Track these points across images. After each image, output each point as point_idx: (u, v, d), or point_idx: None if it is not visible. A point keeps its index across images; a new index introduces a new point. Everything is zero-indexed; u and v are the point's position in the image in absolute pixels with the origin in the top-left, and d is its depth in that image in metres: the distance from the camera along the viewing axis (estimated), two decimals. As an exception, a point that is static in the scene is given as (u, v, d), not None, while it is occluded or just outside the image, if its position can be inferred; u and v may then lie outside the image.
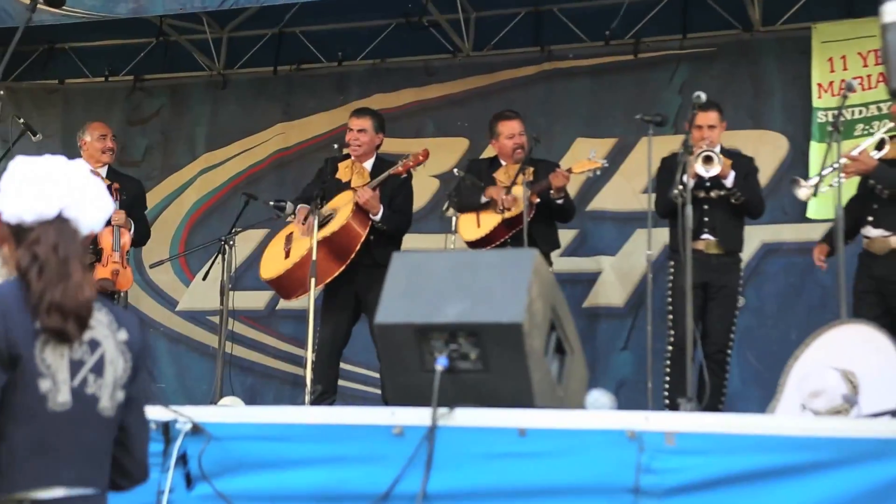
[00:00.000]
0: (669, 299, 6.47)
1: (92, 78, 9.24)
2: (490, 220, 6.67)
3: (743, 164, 6.57)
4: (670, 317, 6.42)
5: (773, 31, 7.85)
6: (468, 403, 3.65)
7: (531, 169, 6.69)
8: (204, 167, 8.95)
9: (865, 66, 7.39)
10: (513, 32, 8.40)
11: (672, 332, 6.39)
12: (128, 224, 7.04)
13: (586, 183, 7.74)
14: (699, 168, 6.25)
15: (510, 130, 6.87)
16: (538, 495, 3.47)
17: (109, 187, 7.01)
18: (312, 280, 6.34)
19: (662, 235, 6.68)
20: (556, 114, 8.17)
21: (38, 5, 6.39)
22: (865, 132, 7.06)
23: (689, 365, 5.56)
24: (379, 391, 7.03)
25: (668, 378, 6.39)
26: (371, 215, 6.58)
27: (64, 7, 6.69)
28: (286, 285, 6.68)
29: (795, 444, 3.34)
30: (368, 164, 6.85)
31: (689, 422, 3.54)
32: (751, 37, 7.87)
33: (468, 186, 6.81)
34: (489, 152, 7.28)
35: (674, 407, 5.95)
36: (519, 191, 6.53)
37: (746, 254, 6.98)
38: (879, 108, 7.19)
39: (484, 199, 6.71)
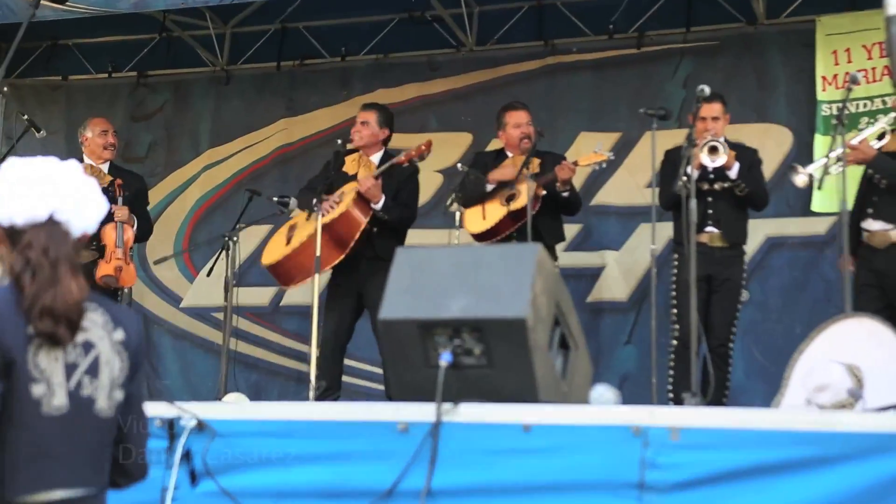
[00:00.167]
0: (674, 293, 6.46)
1: (95, 74, 9.23)
2: (496, 212, 6.67)
3: (747, 155, 6.55)
4: (675, 311, 6.41)
5: (777, 24, 7.83)
6: (472, 399, 3.65)
7: (538, 160, 6.69)
8: (207, 163, 8.95)
9: (870, 58, 7.37)
10: (516, 27, 8.39)
11: (676, 327, 6.38)
12: (131, 220, 7.03)
13: (590, 177, 7.73)
14: (704, 158, 6.23)
15: (517, 120, 6.88)
16: (543, 491, 3.47)
17: (112, 183, 7.02)
18: (316, 277, 6.34)
19: (666, 230, 6.66)
20: (560, 108, 8.15)
21: (42, 1, 6.39)
22: (870, 125, 7.04)
23: (694, 359, 5.55)
24: (382, 387, 7.03)
25: (672, 372, 6.38)
26: (372, 204, 6.59)
27: (67, 3, 6.68)
28: (285, 271, 6.67)
29: (800, 439, 3.33)
30: (376, 158, 6.86)
31: (694, 417, 3.54)
32: (755, 30, 7.85)
33: (472, 181, 6.80)
34: (494, 145, 7.27)
35: (678, 401, 5.94)
36: (523, 185, 6.52)
37: (751, 248, 6.96)
38: (885, 102, 7.17)
39: (489, 186, 6.70)
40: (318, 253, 6.33)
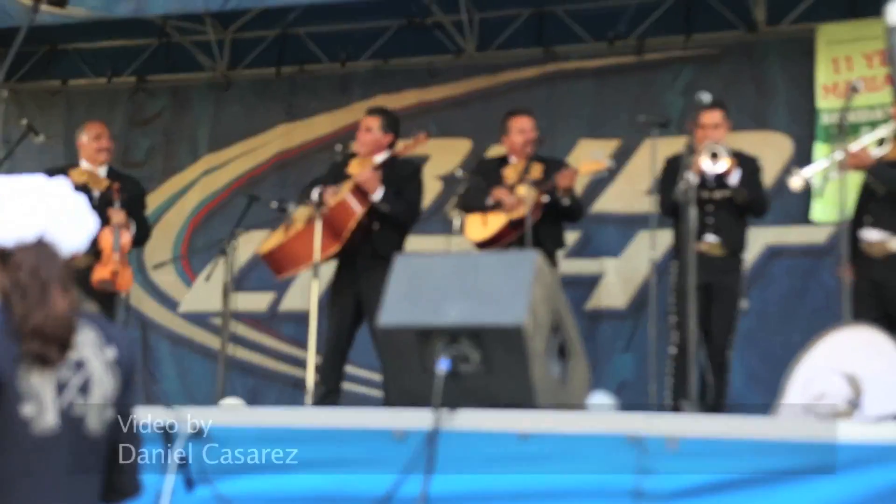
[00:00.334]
0: (673, 301, 6.45)
1: (95, 79, 9.23)
2: (497, 220, 6.66)
3: (747, 163, 6.55)
4: (673, 318, 6.40)
5: (778, 33, 7.82)
6: (470, 406, 3.64)
7: (541, 166, 6.69)
8: (206, 168, 8.94)
9: (871, 67, 7.36)
10: (516, 33, 8.38)
11: (675, 334, 6.36)
12: (128, 224, 7.02)
13: (590, 185, 7.72)
14: (706, 164, 6.22)
15: (522, 126, 6.88)
16: (540, 499, 3.46)
17: (109, 187, 7.01)
18: (315, 282, 6.33)
19: (666, 237, 6.65)
20: (559, 115, 8.14)
21: (42, 5, 6.38)
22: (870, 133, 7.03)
23: (693, 367, 5.53)
24: (381, 393, 7.01)
25: (670, 380, 6.37)
26: (370, 195, 6.57)
27: (67, 7, 6.68)
28: (280, 258, 6.66)
29: (799, 448, 3.32)
30: (379, 160, 6.85)
31: (692, 425, 3.53)
32: (755, 38, 7.85)
33: (473, 188, 6.80)
34: (495, 152, 7.26)
35: (677, 409, 5.93)
36: (524, 191, 6.52)
37: (750, 256, 6.95)
38: (886, 112, 7.16)
39: (490, 202, 6.70)
40: (317, 248, 6.33)
